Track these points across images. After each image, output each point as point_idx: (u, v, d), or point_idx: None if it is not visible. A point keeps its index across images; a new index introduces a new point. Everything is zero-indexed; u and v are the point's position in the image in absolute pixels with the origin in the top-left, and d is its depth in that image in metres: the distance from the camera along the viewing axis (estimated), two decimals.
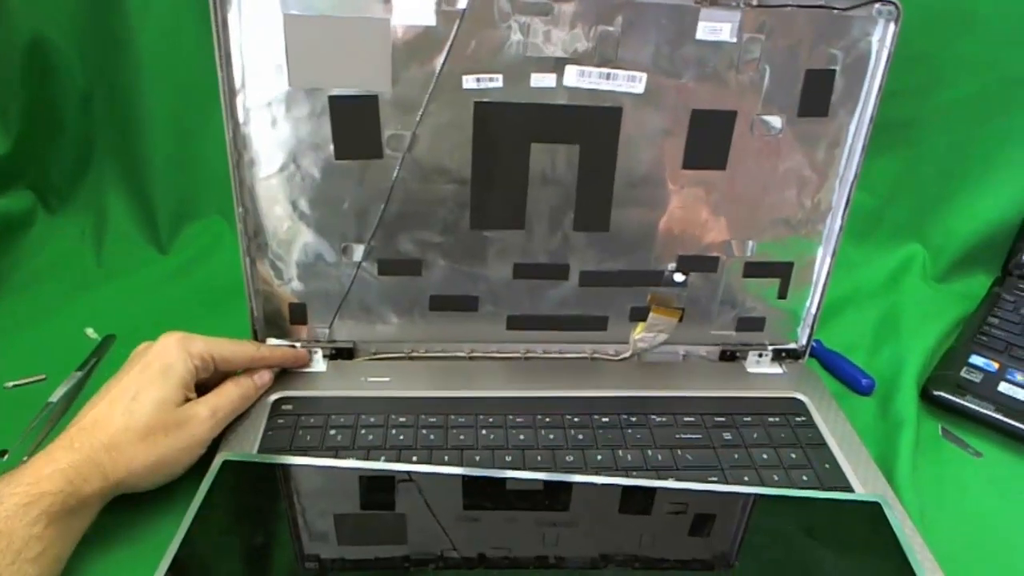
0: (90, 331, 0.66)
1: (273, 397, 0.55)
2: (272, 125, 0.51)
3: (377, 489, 0.46)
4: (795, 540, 0.45)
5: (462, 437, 0.52)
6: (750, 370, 0.62)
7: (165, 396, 0.47)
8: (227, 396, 0.51)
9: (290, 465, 0.47)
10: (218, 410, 0.50)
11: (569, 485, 0.47)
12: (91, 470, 0.43)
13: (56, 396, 0.58)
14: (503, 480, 0.47)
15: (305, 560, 0.42)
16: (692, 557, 0.44)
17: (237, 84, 0.49)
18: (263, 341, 0.58)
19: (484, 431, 0.53)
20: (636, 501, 0.47)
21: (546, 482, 0.47)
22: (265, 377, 0.55)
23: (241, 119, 0.50)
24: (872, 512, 0.47)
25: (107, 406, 0.46)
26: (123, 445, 0.45)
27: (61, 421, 0.56)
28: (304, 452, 0.50)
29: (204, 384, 0.52)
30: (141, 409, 0.46)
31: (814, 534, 0.46)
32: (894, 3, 0.50)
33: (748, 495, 0.48)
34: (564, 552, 0.43)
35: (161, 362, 0.49)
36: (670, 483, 0.48)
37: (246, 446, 0.51)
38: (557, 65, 0.50)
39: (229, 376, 0.53)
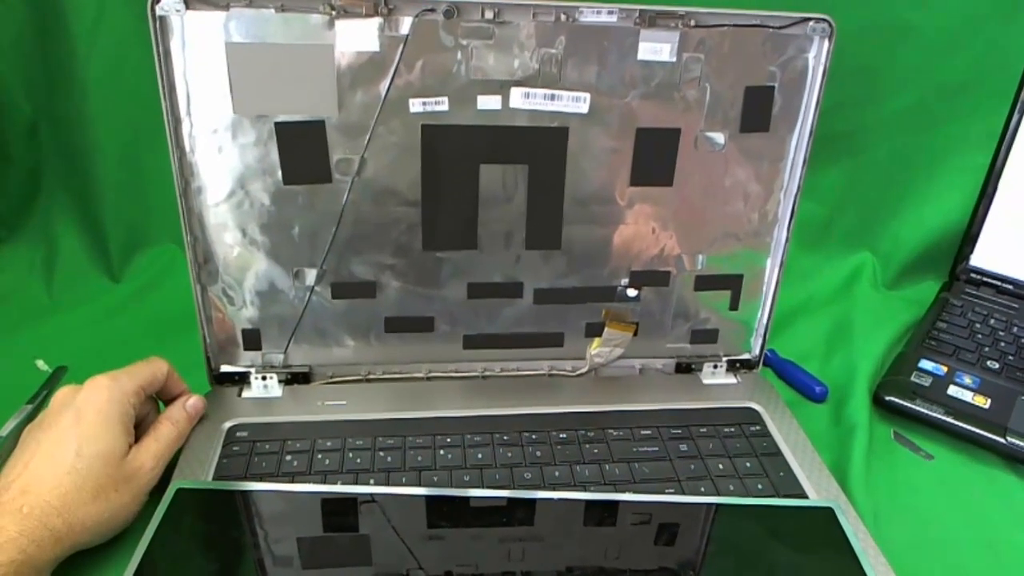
0: (41, 363, 0.65)
1: (227, 424, 0.54)
2: (218, 152, 0.51)
3: (337, 512, 0.46)
4: (752, 548, 0.46)
5: (420, 458, 0.52)
6: (705, 381, 0.62)
7: (111, 449, 0.45)
8: (166, 440, 0.50)
9: (246, 491, 0.47)
10: (160, 457, 0.49)
11: (532, 501, 0.47)
12: (44, 535, 0.41)
13: (6, 430, 0.57)
14: (466, 499, 0.47)
15: None
16: (651, 567, 0.44)
17: (181, 112, 0.49)
18: (217, 368, 0.58)
19: (442, 451, 0.53)
20: (596, 515, 0.47)
21: (509, 499, 0.47)
22: (199, 405, 0.54)
23: (187, 147, 0.50)
24: (825, 517, 0.47)
25: (46, 463, 0.44)
26: (74, 507, 0.43)
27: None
28: (260, 479, 0.50)
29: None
30: (88, 467, 0.44)
31: (770, 541, 0.46)
32: (827, 21, 0.51)
33: (705, 505, 0.48)
34: (529, 568, 0.43)
35: (97, 411, 0.46)
36: (628, 496, 0.49)
37: (199, 475, 0.50)
38: (502, 87, 0.51)
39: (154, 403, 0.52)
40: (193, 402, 0.53)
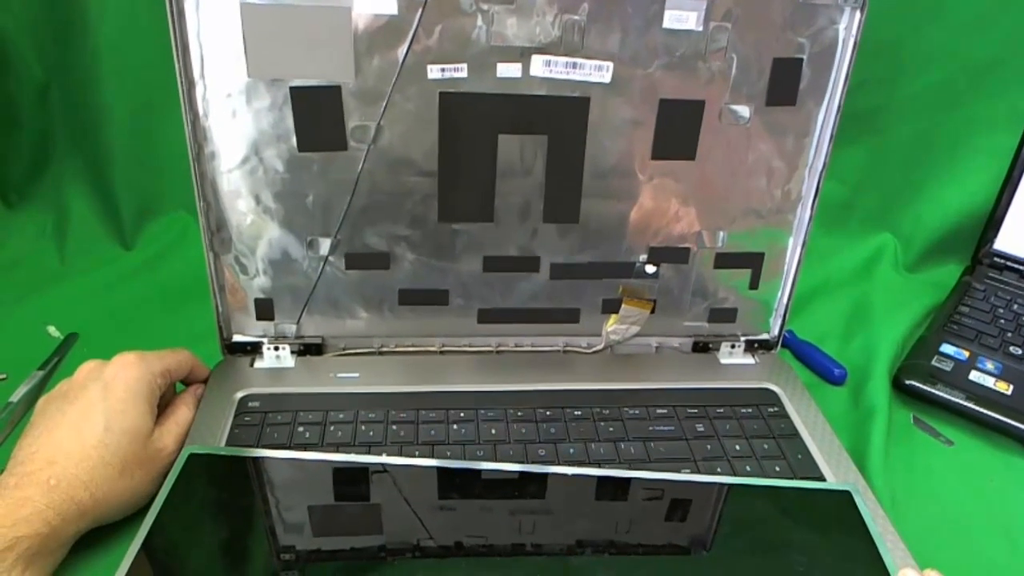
0: (52, 329, 0.65)
1: (240, 394, 0.54)
2: (232, 117, 0.49)
3: (347, 482, 0.46)
4: (767, 529, 0.45)
5: (432, 432, 0.52)
6: (723, 361, 0.61)
7: (139, 427, 0.45)
8: (185, 422, 0.50)
9: (258, 457, 0.46)
10: (180, 439, 0.49)
11: (543, 476, 0.47)
12: (70, 508, 0.41)
13: (17, 396, 0.57)
14: (477, 473, 0.47)
15: (278, 553, 0.41)
16: (663, 545, 0.44)
17: (195, 75, 0.48)
18: (229, 338, 0.57)
19: (455, 426, 0.52)
20: (608, 492, 0.46)
21: (520, 474, 0.47)
22: (201, 390, 0.54)
23: (200, 111, 0.49)
24: (843, 501, 0.47)
25: (73, 435, 0.43)
26: (101, 481, 0.42)
27: (22, 421, 0.55)
28: (271, 450, 0.49)
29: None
30: (117, 442, 0.44)
31: (786, 523, 0.46)
32: None
33: (720, 485, 0.48)
34: (539, 540, 0.43)
35: (126, 387, 0.46)
36: (639, 473, 0.48)
37: (211, 444, 0.50)
38: (523, 55, 0.49)
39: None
40: (202, 391, 0.54)
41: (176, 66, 0.47)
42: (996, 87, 0.76)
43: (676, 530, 0.45)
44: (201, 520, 0.43)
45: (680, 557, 0.43)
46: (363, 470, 0.46)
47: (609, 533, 0.44)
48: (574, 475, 0.47)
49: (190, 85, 0.48)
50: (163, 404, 0.51)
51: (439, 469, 0.46)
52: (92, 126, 0.74)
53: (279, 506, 0.44)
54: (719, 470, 0.50)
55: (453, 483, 0.46)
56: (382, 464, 0.46)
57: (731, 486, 0.47)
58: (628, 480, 0.47)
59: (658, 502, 0.46)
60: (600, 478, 0.47)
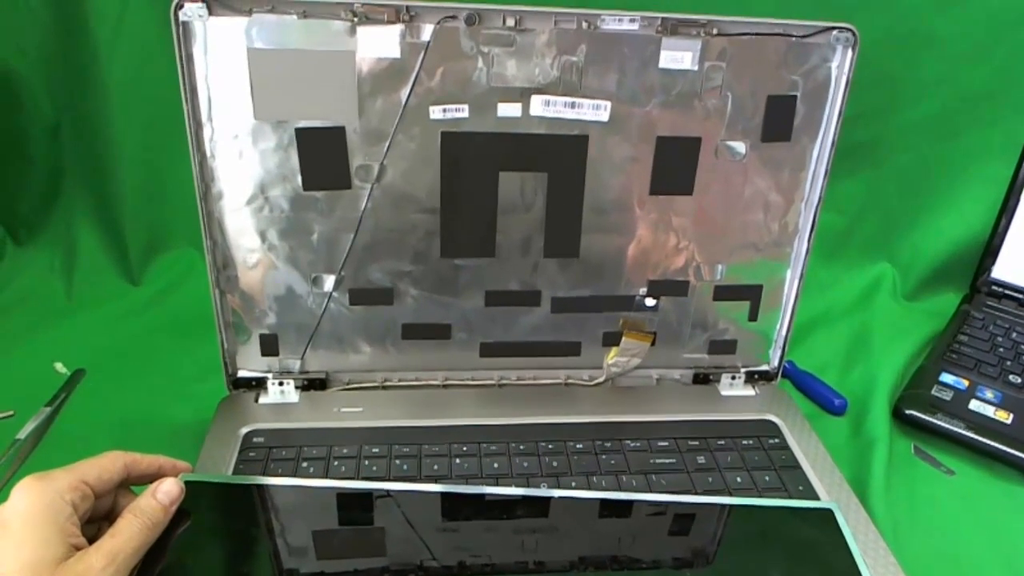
0: (59, 365, 0.66)
1: (244, 430, 0.55)
2: (239, 157, 0.51)
3: (344, 507, 0.46)
4: (750, 548, 0.46)
5: (436, 467, 0.52)
6: (723, 393, 0.62)
7: (40, 557, 0.38)
8: (126, 534, 0.40)
9: (249, 485, 0.47)
10: (115, 554, 0.39)
11: (542, 500, 0.47)
12: None
13: (25, 432, 0.57)
14: (475, 501, 0.47)
15: None
16: (646, 565, 0.44)
17: (203, 117, 0.49)
18: (234, 373, 0.58)
19: (458, 460, 0.53)
20: (597, 513, 0.47)
21: (521, 498, 0.47)
22: (173, 491, 0.43)
23: (208, 151, 0.50)
24: (825, 519, 0.47)
25: None
26: None
27: (30, 458, 0.55)
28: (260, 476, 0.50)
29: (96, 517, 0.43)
30: None
31: (769, 542, 0.46)
32: (851, 30, 0.51)
33: (704, 504, 0.48)
34: (539, 558, 0.44)
35: (23, 517, 0.39)
36: (623, 495, 0.49)
37: None
38: (523, 95, 0.51)
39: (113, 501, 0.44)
40: (166, 489, 0.43)
41: (184, 108, 0.49)
42: (991, 116, 0.77)
43: (657, 549, 0.45)
44: (192, 546, 0.43)
45: (661, 574, 0.44)
46: (359, 497, 0.47)
47: (595, 554, 0.44)
48: (562, 497, 0.48)
49: (198, 127, 0.50)
50: (112, 516, 0.43)
51: (434, 497, 0.47)
52: (101, 164, 0.76)
53: (271, 533, 0.44)
54: None
55: (452, 512, 0.46)
56: (386, 490, 0.47)
57: (714, 505, 0.48)
58: (616, 503, 0.48)
59: (637, 521, 0.47)
60: (585, 500, 0.48)
